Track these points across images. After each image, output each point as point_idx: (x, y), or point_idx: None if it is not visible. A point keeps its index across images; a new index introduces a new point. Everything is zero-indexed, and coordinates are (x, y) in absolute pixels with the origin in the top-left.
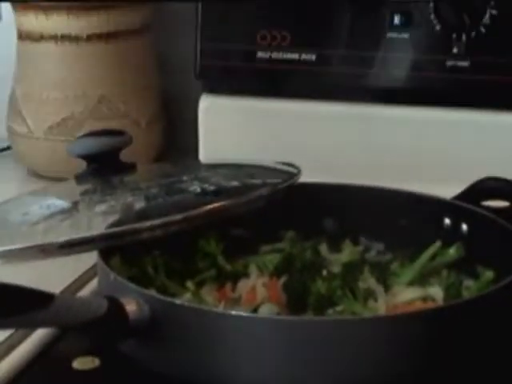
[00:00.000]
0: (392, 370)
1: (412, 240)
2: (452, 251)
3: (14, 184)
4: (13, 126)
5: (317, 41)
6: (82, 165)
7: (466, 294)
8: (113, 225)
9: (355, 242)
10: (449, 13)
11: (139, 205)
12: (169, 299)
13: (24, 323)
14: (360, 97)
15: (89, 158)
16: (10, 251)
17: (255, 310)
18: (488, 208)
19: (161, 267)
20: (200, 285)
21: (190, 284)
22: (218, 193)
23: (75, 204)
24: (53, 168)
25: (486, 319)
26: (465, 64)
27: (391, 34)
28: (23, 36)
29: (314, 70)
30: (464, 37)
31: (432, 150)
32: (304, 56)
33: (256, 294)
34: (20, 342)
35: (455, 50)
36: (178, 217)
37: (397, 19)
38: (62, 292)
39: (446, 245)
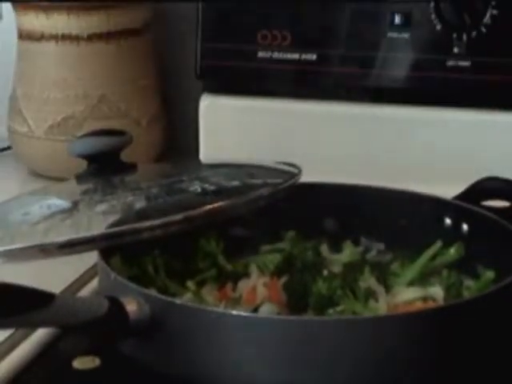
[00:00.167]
0: (393, 370)
1: (412, 240)
2: (452, 251)
3: (14, 184)
4: (13, 125)
5: (317, 41)
6: (82, 164)
7: (466, 294)
8: (113, 224)
9: (356, 242)
10: (449, 12)
11: (140, 204)
12: (169, 299)
13: (24, 323)
14: (360, 97)
15: (89, 157)
16: (11, 251)
17: (256, 310)
18: (489, 208)
19: (161, 267)
20: (200, 285)
21: (190, 284)
22: (219, 193)
23: (76, 204)
24: (53, 168)
25: (486, 319)
26: (465, 64)
27: (392, 34)
28: (24, 35)
29: (315, 69)
30: (465, 37)
31: (433, 149)
32: (304, 56)
33: (256, 294)
34: (20, 341)
35: (456, 50)
36: (179, 217)
37: (397, 19)
38: (63, 292)
39: (447, 245)
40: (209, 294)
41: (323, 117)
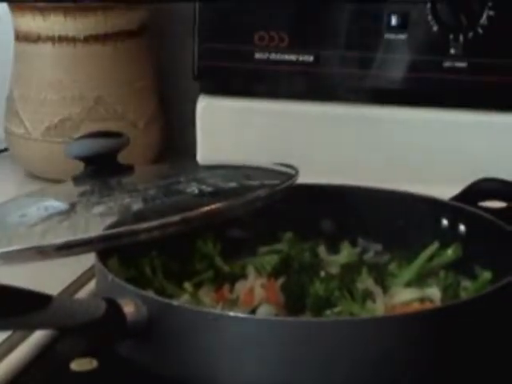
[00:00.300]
0: (391, 371)
1: (410, 241)
2: (450, 252)
3: (11, 185)
4: (10, 127)
5: (314, 42)
6: (79, 166)
7: (463, 295)
8: (111, 226)
9: (353, 243)
10: (446, 14)
11: (137, 206)
12: (167, 300)
13: (22, 325)
14: (358, 98)
15: (86, 159)
16: (8, 253)
17: (253, 312)
18: (486, 209)
19: (159, 268)
20: (198, 286)
21: (187, 285)
22: (216, 194)
23: (73, 205)
24: (50, 169)
25: (483, 320)
26: (462, 65)
27: (388, 35)
28: (20, 37)
29: (312, 70)
30: (461, 38)
31: (430, 150)
32: (302, 57)
33: (254, 295)
34: (18, 343)
35: (452, 51)
36: (176, 218)
37: (394, 20)
38: (60, 294)
39: (444, 245)
40: (206, 295)
41: (320, 118)
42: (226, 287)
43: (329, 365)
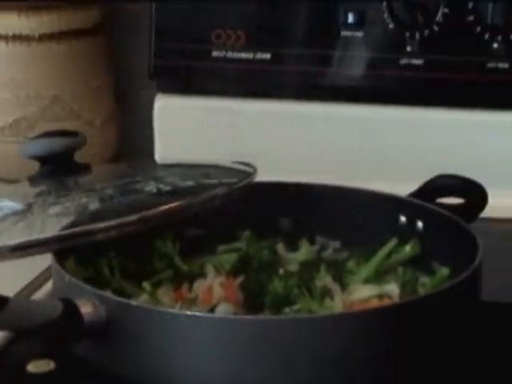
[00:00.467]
0: (350, 368)
1: (368, 238)
2: (408, 248)
3: None
4: None
5: (271, 40)
6: (35, 166)
7: (421, 291)
8: (67, 226)
9: (312, 241)
10: (402, 11)
11: (94, 206)
12: (125, 300)
13: None
14: (315, 95)
15: (42, 159)
16: None
17: (212, 310)
18: (443, 205)
19: (117, 268)
20: (157, 286)
21: (146, 285)
22: (174, 193)
23: (29, 206)
24: (5, 169)
25: (441, 316)
26: (418, 62)
27: (345, 33)
28: None
29: (269, 68)
30: (417, 35)
31: (386, 147)
32: (259, 55)
33: (213, 294)
34: None
35: (409, 49)
36: (134, 217)
37: (351, 18)
38: (16, 295)
39: (402, 242)
40: (165, 294)
41: (277, 116)
42: (185, 286)
43: (288, 363)
